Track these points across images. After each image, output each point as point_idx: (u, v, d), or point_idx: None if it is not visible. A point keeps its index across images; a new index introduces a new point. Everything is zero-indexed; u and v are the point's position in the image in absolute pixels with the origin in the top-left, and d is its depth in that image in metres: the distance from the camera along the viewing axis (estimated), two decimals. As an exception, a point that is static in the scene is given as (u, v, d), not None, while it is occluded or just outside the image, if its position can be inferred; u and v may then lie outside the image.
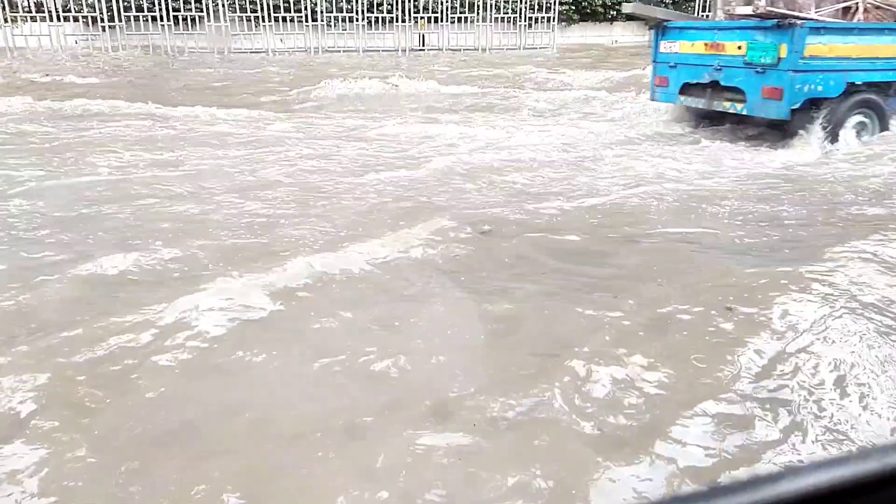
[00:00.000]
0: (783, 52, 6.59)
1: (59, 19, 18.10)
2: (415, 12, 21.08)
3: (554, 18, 22.48)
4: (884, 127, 7.22)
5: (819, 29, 6.70)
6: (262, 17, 19.39)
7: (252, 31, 19.46)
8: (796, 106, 6.71)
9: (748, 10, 7.21)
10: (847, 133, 7.00)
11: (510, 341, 3.07)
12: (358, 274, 3.75)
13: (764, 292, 3.41)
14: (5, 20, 17.45)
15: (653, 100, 8.52)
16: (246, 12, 19.34)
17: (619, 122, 9.11)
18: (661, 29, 8.03)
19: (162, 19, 18.63)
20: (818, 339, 2.93)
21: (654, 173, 6.23)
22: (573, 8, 23.98)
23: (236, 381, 2.72)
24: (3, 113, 9.19)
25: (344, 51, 20.08)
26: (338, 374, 2.73)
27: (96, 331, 3.01)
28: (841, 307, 3.21)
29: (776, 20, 6.71)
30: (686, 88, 7.82)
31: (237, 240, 4.36)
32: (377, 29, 20.87)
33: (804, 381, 2.63)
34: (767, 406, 2.48)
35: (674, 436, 2.31)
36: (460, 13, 21.60)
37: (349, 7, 20.29)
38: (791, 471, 0.38)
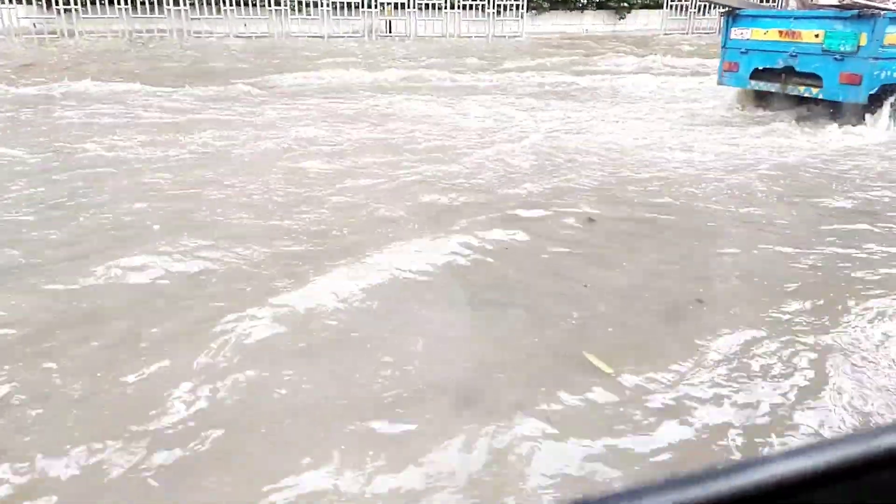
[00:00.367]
0: (863, 41, 7.09)
1: (10, 0, 17.55)
2: (381, -2, 20.83)
3: (523, 6, 22.31)
4: None
5: None
6: (224, 1, 19.00)
7: (213, 14, 19.06)
8: (873, 91, 7.25)
9: (833, 0, 7.78)
10: None
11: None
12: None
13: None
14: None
15: (720, 84, 9.02)
16: (208, -5, 18.94)
17: (683, 106, 9.48)
18: (732, 16, 8.50)
19: (120, 3, 18.16)
20: None
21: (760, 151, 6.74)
22: (543, -5, 23.83)
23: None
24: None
25: (309, 37, 19.77)
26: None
27: None
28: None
29: (857, 10, 7.20)
30: (757, 73, 8.34)
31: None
32: (342, 14, 20.56)
33: None
34: None
35: None
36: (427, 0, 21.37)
37: (314, -9, 19.97)
38: (757, 461, 0.37)
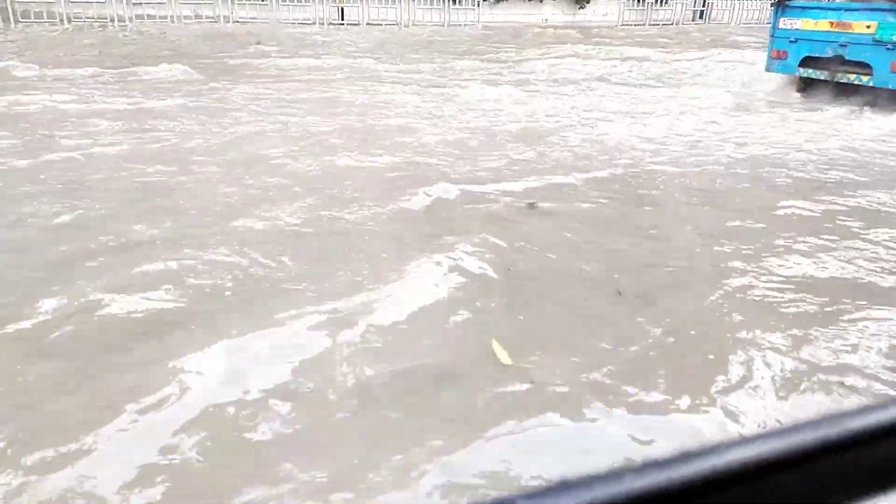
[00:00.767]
0: None
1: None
2: (333, -16, 20.41)
3: (479, -5, 22.09)
4: None
5: None
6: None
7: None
8: None
9: None
10: None
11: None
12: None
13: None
14: None
15: (768, 70, 9.48)
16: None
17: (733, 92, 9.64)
18: (781, 6, 8.95)
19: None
20: None
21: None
22: (501, -17, 23.62)
23: None
24: None
25: (261, 21, 19.30)
26: None
27: None
28: None
29: None
30: (806, 61, 8.79)
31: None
32: (293, 0, 20.12)
33: None
34: None
35: None
36: (381, -14, 21.00)
37: (263, -24, 19.49)
38: (722, 445, 0.38)
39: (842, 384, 2.50)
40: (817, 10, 8.68)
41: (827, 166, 5.83)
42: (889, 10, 7.87)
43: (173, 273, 3.28)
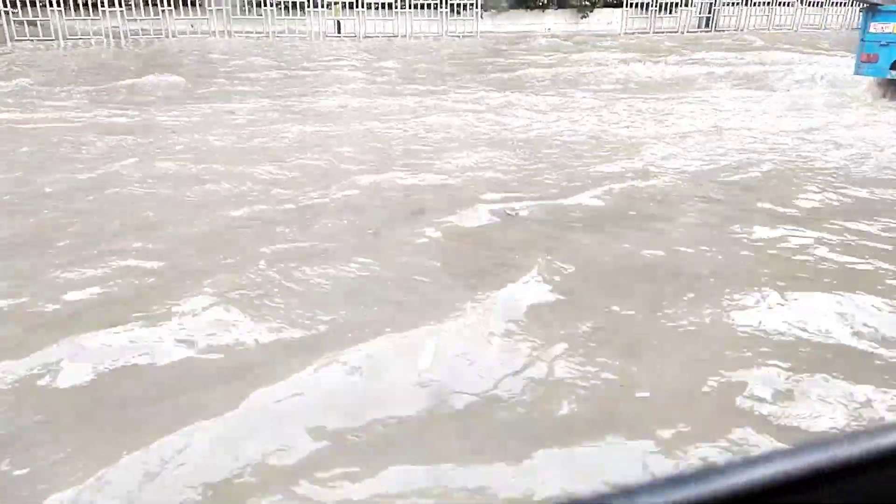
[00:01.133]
0: None
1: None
2: (329, -3, 20.42)
3: (477, 5, 21.89)
4: None
5: None
6: (163, 1, 18.58)
7: (150, 16, 18.63)
8: None
9: None
10: None
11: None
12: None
13: None
14: None
15: (857, 74, 9.69)
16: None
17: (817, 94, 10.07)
18: (872, 11, 9.15)
19: (50, 4, 17.52)
20: None
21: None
22: (503, -6, 23.43)
23: None
24: None
25: (258, 35, 19.35)
26: None
27: None
28: None
29: None
30: None
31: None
32: (289, 14, 20.15)
33: None
34: None
35: None
36: (378, -2, 20.95)
37: (260, -10, 19.56)
38: (746, 462, 0.38)
39: None
40: None
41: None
42: None
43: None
